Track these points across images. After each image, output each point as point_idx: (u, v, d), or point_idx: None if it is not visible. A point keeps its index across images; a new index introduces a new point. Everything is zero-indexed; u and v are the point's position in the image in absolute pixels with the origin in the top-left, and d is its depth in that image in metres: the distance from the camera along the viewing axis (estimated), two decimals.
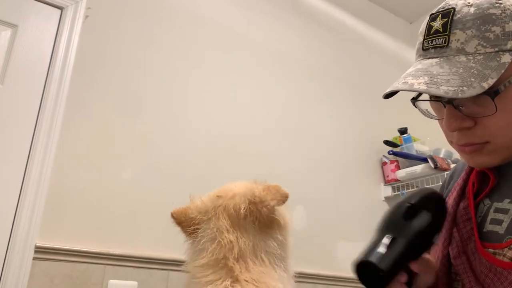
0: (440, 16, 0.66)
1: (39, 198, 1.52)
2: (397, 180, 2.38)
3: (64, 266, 1.52)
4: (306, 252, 1.98)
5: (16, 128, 1.56)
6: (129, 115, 1.79)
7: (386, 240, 0.63)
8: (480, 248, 0.65)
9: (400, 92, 0.70)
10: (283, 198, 0.98)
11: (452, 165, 2.14)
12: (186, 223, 1.00)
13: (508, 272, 0.60)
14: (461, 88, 0.59)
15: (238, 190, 1.00)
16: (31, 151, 1.56)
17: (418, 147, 2.37)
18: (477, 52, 0.62)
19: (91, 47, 1.78)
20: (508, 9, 0.62)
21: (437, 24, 0.65)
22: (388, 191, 2.43)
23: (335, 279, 2.08)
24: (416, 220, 0.65)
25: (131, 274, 1.62)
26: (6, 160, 1.52)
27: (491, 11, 0.62)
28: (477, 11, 0.62)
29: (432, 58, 0.65)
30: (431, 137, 2.46)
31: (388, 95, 0.69)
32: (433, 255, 0.73)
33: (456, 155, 2.24)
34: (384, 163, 2.47)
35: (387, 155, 2.42)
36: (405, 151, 2.34)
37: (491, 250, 0.63)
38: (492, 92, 0.60)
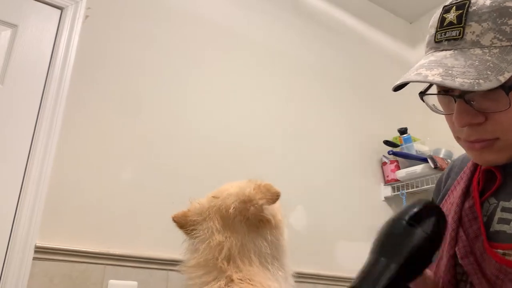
0: (454, 7, 0.64)
1: (39, 198, 1.52)
2: (397, 180, 2.38)
3: (63, 266, 1.52)
4: (306, 252, 1.98)
5: (16, 128, 1.56)
6: (129, 115, 1.79)
7: (381, 265, 0.59)
8: (488, 248, 0.63)
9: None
10: (274, 197, 0.96)
11: None
12: (187, 226, 1.01)
13: None
14: (477, 81, 0.58)
15: (232, 190, 1.00)
16: (31, 151, 1.56)
17: (418, 147, 2.37)
18: (493, 45, 0.60)
19: (91, 47, 1.78)
20: None
21: (451, 16, 0.64)
22: (388, 191, 2.43)
23: (335, 279, 2.07)
24: (412, 239, 0.61)
25: (131, 274, 1.62)
26: (6, 160, 1.52)
27: (508, 4, 0.61)
28: (493, 4, 0.61)
29: (446, 50, 0.63)
30: (431, 137, 2.46)
31: (398, 88, 0.67)
32: (431, 268, 0.72)
33: (456, 155, 2.24)
34: (384, 163, 2.47)
35: (387, 155, 2.42)
36: (405, 151, 2.34)
37: (500, 250, 0.62)
38: (507, 87, 0.59)
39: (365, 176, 2.42)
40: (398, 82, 0.66)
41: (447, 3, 0.67)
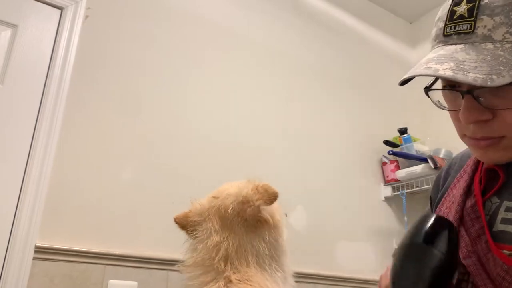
0: (465, 0, 0.62)
1: (39, 198, 1.52)
2: (397, 180, 2.38)
3: (63, 266, 1.52)
4: (306, 252, 1.98)
5: (16, 128, 1.56)
6: (129, 115, 1.79)
7: None
8: (494, 249, 0.62)
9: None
10: (271, 197, 0.95)
11: None
12: (188, 226, 1.01)
13: None
14: (490, 76, 0.56)
15: (232, 191, 1.00)
16: (31, 151, 1.56)
17: (418, 147, 2.37)
18: (505, 40, 0.59)
19: (91, 47, 1.78)
20: None
21: (462, 9, 0.62)
22: (388, 191, 2.43)
23: (335, 279, 2.07)
24: (429, 264, 0.59)
25: (131, 274, 1.62)
26: (6, 160, 1.52)
27: None
28: None
29: (456, 44, 0.62)
30: (431, 137, 2.46)
31: (405, 82, 0.66)
32: None
33: None
34: (384, 163, 2.47)
35: (387, 155, 2.42)
36: (405, 151, 2.34)
37: (506, 251, 0.61)
38: None
39: (365, 176, 2.42)
40: (406, 76, 0.64)
41: None
